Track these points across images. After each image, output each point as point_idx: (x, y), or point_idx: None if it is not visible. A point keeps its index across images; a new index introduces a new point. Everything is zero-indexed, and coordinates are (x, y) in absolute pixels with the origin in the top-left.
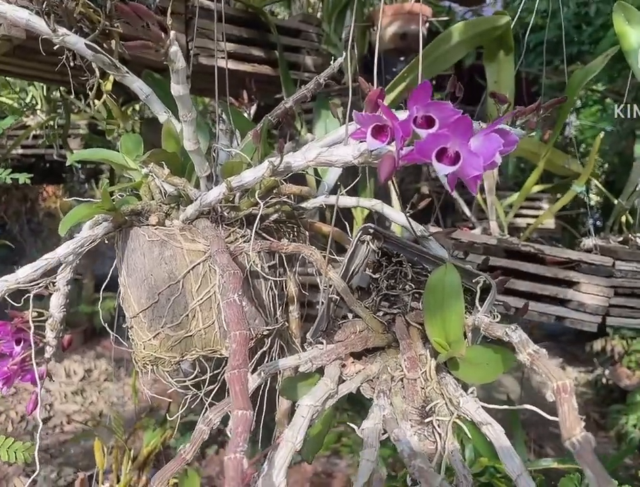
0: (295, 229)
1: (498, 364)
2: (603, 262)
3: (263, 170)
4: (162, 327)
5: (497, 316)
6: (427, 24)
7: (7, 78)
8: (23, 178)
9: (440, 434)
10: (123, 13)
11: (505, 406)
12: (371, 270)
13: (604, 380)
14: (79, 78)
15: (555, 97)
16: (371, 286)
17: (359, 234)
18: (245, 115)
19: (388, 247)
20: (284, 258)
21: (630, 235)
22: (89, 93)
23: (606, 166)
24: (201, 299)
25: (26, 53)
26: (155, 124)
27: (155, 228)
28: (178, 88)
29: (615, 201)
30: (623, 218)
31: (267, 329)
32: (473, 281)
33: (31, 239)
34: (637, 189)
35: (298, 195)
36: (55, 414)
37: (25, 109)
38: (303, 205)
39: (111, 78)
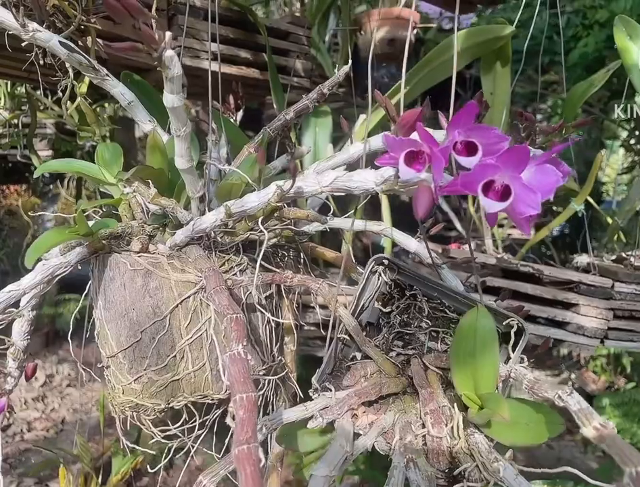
0: (295, 254)
1: (541, 427)
2: (602, 284)
3: (269, 196)
4: (144, 370)
5: (527, 365)
6: (416, 30)
7: None
8: None
9: None
10: (111, 8)
11: (546, 470)
12: (381, 303)
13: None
14: (50, 77)
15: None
16: (381, 320)
17: (371, 265)
18: (232, 121)
19: (402, 279)
20: (282, 286)
21: (623, 254)
22: (61, 94)
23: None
24: (191, 337)
25: None
26: (125, 124)
27: (139, 256)
28: (172, 99)
29: (610, 220)
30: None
31: (264, 369)
32: (504, 323)
33: None
34: (637, 208)
35: (303, 220)
36: (14, 421)
37: None
38: (305, 228)
39: (86, 79)
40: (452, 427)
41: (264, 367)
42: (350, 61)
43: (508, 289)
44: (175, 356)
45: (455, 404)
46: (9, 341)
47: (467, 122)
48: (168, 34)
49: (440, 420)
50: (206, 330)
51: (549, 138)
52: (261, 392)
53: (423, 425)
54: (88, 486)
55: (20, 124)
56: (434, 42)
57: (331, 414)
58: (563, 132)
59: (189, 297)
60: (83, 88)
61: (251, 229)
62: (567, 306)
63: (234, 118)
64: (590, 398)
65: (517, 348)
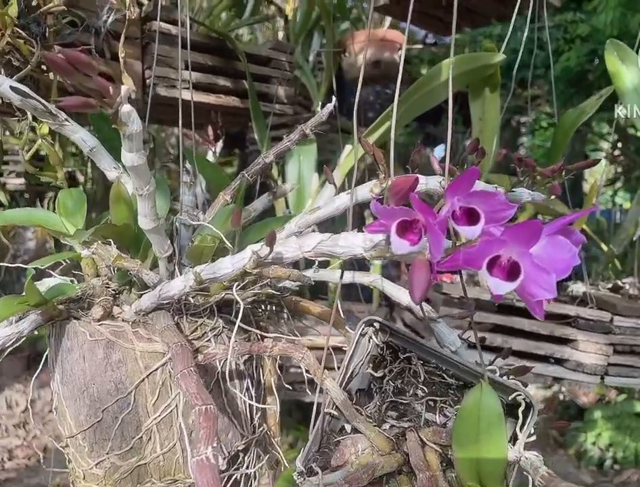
0: (277, 309)
1: None
2: (601, 318)
3: (244, 261)
4: (107, 453)
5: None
6: (400, 52)
7: None
8: None
9: None
10: (55, 65)
11: None
12: (372, 367)
13: (561, 397)
14: (9, 117)
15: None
16: (372, 386)
17: (361, 328)
18: (210, 153)
19: (395, 341)
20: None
21: (619, 282)
22: (19, 137)
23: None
24: (159, 416)
25: None
26: None
27: (100, 324)
28: (131, 158)
29: (605, 248)
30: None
31: (243, 443)
32: (510, 397)
33: None
34: (633, 237)
35: (285, 278)
36: None
37: None
38: (286, 284)
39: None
40: None
41: (243, 442)
42: (334, 98)
43: (495, 326)
44: (141, 437)
45: None
46: None
47: (466, 187)
48: (124, 88)
49: None
50: (176, 406)
51: (549, 180)
52: (239, 471)
53: None
54: None
55: None
56: (419, 58)
57: None
58: (563, 174)
59: (156, 369)
60: (44, 129)
61: (226, 288)
62: (565, 341)
63: (213, 149)
64: (581, 411)
65: (525, 428)
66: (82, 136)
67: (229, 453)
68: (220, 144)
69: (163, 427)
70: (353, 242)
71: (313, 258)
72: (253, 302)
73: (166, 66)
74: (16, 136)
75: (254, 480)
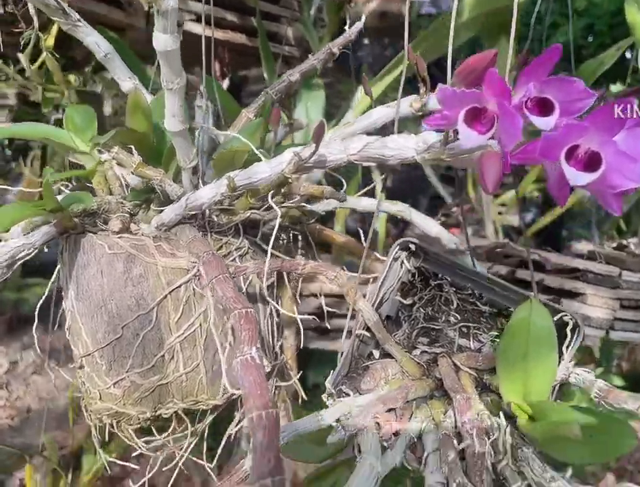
0: (299, 238)
1: (609, 442)
2: (610, 272)
3: (283, 165)
4: (126, 372)
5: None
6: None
7: None
8: None
9: None
10: None
11: None
12: (400, 294)
13: None
14: (11, 29)
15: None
16: (400, 314)
17: (395, 250)
18: None
19: (428, 266)
20: (284, 274)
21: (624, 242)
22: (20, 54)
23: None
24: (182, 334)
25: None
26: (94, 99)
27: (119, 237)
28: (164, 40)
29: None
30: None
31: (268, 365)
32: (555, 318)
33: None
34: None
35: (316, 197)
36: None
37: None
38: (313, 207)
39: (53, 32)
40: (495, 440)
41: (268, 364)
42: (357, 21)
43: (504, 279)
44: (164, 355)
45: (502, 412)
46: None
47: (543, 72)
48: None
49: (480, 431)
50: (200, 325)
51: None
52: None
53: (459, 436)
54: (57, 485)
55: None
56: (417, 25)
57: (353, 425)
58: None
59: (180, 286)
60: (50, 41)
61: (252, 207)
62: (573, 295)
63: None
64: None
65: (571, 347)
66: (96, 40)
67: None
68: (226, 82)
69: (186, 346)
70: (404, 144)
71: (358, 162)
72: (278, 227)
73: None
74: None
75: None
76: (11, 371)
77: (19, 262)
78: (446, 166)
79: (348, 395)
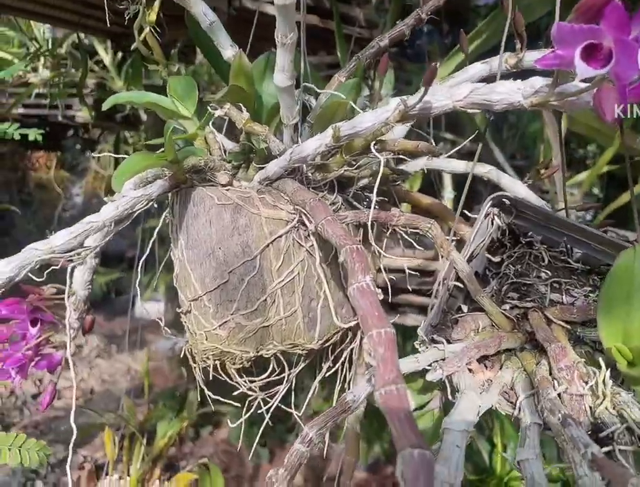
0: (386, 199)
1: None
2: None
3: (388, 114)
4: (232, 314)
5: None
6: None
7: (8, 31)
8: (33, 134)
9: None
10: None
11: None
12: (487, 252)
13: None
14: (115, 7)
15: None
16: (488, 271)
17: (487, 206)
18: None
19: (519, 223)
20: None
21: None
22: (127, 32)
23: None
24: (283, 281)
25: None
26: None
27: (227, 190)
28: None
29: None
30: None
31: (354, 321)
32: None
33: (22, 209)
34: None
35: (412, 152)
36: (44, 389)
37: (27, 64)
38: (403, 167)
39: (155, 7)
40: (594, 385)
41: (354, 318)
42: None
43: None
44: (266, 299)
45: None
46: (69, 289)
47: None
48: None
49: (578, 377)
50: (298, 273)
51: None
52: (352, 345)
53: (556, 383)
54: (133, 449)
55: (61, 83)
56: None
57: (451, 366)
58: None
59: (281, 236)
60: (152, 16)
61: (346, 163)
62: None
63: None
64: None
65: None
66: (203, 10)
67: (343, 328)
68: None
69: (286, 292)
70: (511, 88)
71: (464, 109)
72: (363, 188)
73: None
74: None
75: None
76: (77, 354)
77: (136, 213)
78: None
79: (442, 343)
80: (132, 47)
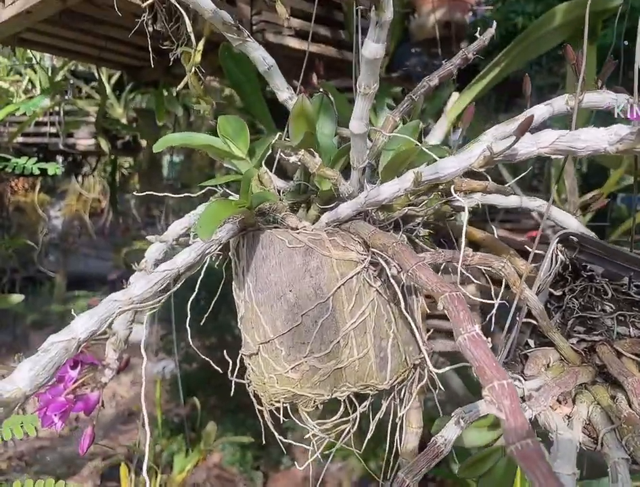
0: (441, 235)
1: None
2: None
3: (472, 160)
4: (305, 357)
5: None
6: (470, 13)
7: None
8: (53, 168)
9: None
10: None
11: None
12: (549, 286)
13: None
14: (159, 46)
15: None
16: (549, 305)
17: (555, 242)
18: None
19: (583, 258)
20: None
21: None
22: (179, 66)
23: None
24: (355, 321)
25: (72, 20)
26: (147, 115)
27: (298, 233)
28: (376, 49)
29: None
30: None
31: (419, 359)
32: None
33: None
34: None
35: (478, 192)
36: (83, 432)
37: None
38: (461, 204)
39: (200, 47)
40: None
41: (419, 357)
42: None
43: None
44: (339, 342)
45: None
46: (109, 330)
47: None
48: None
49: None
50: (369, 314)
51: None
52: (418, 384)
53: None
54: (150, 484)
55: (62, 112)
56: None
57: (538, 406)
58: None
59: (352, 277)
60: (197, 57)
61: (409, 203)
62: None
63: None
64: None
65: None
66: (261, 54)
67: (411, 365)
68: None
69: (358, 333)
70: (596, 136)
71: (547, 154)
72: (418, 224)
73: (275, 12)
74: (87, 98)
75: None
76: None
77: (206, 258)
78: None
79: (519, 381)
80: (180, 87)
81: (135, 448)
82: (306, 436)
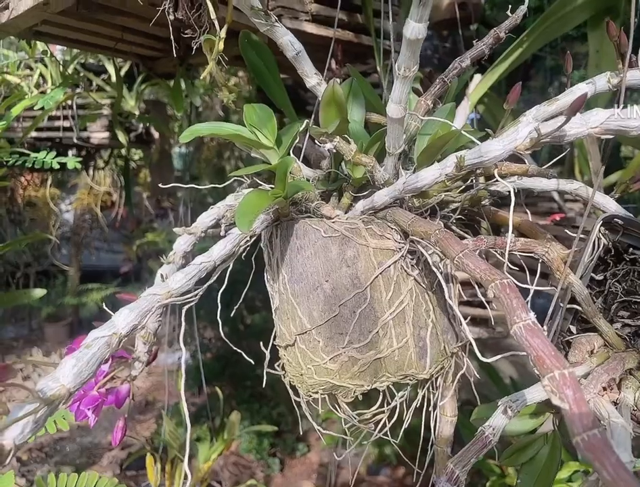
0: (470, 220)
1: None
2: None
3: (517, 142)
4: (343, 348)
5: None
6: None
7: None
8: (72, 162)
9: None
10: None
11: None
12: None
13: None
14: (180, 35)
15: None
16: (590, 290)
17: (598, 226)
18: None
19: (626, 241)
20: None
21: None
22: (195, 56)
23: None
24: (394, 311)
25: (89, 11)
26: (157, 106)
27: (333, 222)
28: (418, 29)
29: None
30: None
31: (458, 346)
32: None
33: (11, 229)
34: None
35: (519, 175)
36: (115, 425)
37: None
38: (498, 188)
39: (223, 34)
40: None
41: (457, 345)
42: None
43: None
44: (378, 331)
45: None
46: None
47: None
48: None
49: None
50: (407, 303)
51: None
52: (455, 372)
53: None
54: (174, 473)
55: (75, 106)
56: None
57: (587, 393)
58: None
59: (389, 266)
60: (221, 45)
61: (445, 189)
62: None
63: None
64: None
65: None
66: (289, 39)
67: (449, 354)
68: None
69: (397, 322)
70: None
71: (597, 135)
72: (454, 210)
73: None
74: (99, 91)
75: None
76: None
77: (240, 249)
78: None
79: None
80: (204, 75)
81: (161, 439)
82: (347, 426)
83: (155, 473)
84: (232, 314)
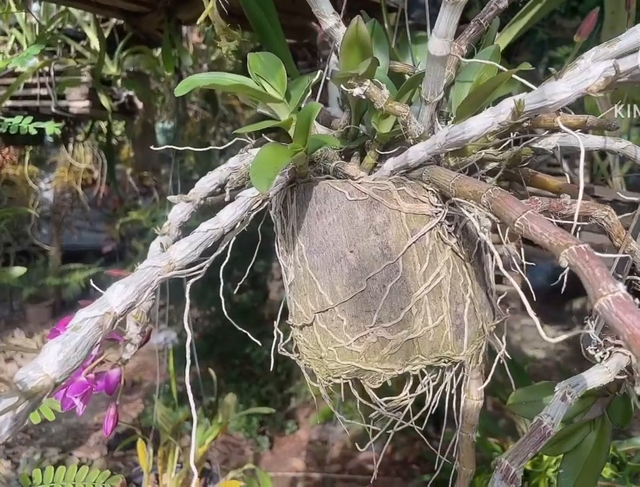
0: (509, 183)
1: None
2: None
3: (590, 81)
4: (371, 327)
5: None
6: None
7: None
8: (51, 128)
9: None
10: None
11: None
12: None
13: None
14: None
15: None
16: None
17: None
18: None
19: None
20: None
21: None
22: (183, 11)
23: None
24: (430, 285)
25: None
26: (140, 78)
27: (359, 183)
28: None
29: None
30: None
31: (494, 324)
32: None
33: None
34: None
35: (575, 127)
36: (106, 413)
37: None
38: (542, 146)
39: None
40: None
41: (494, 323)
42: None
43: None
44: (411, 309)
45: None
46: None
47: None
48: None
49: None
50: (444, 276)
51: None
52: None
53: None
54: (167, 458)
55: (52, 72)
56: None
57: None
58: None
59: (424, 234)
60: None
61: (484, 147)
62: None
63: None
64: None
65: None
66: None
67: (488, 331)
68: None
69: (432, 298)
70: None
71: None
72: (490, 171)
73: None
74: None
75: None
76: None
77: (253, 213)
78: None
79: (618, 345)
80: (200, 20)
81: (153, 422)
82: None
83: (147, 459)
84: (219, 294)
